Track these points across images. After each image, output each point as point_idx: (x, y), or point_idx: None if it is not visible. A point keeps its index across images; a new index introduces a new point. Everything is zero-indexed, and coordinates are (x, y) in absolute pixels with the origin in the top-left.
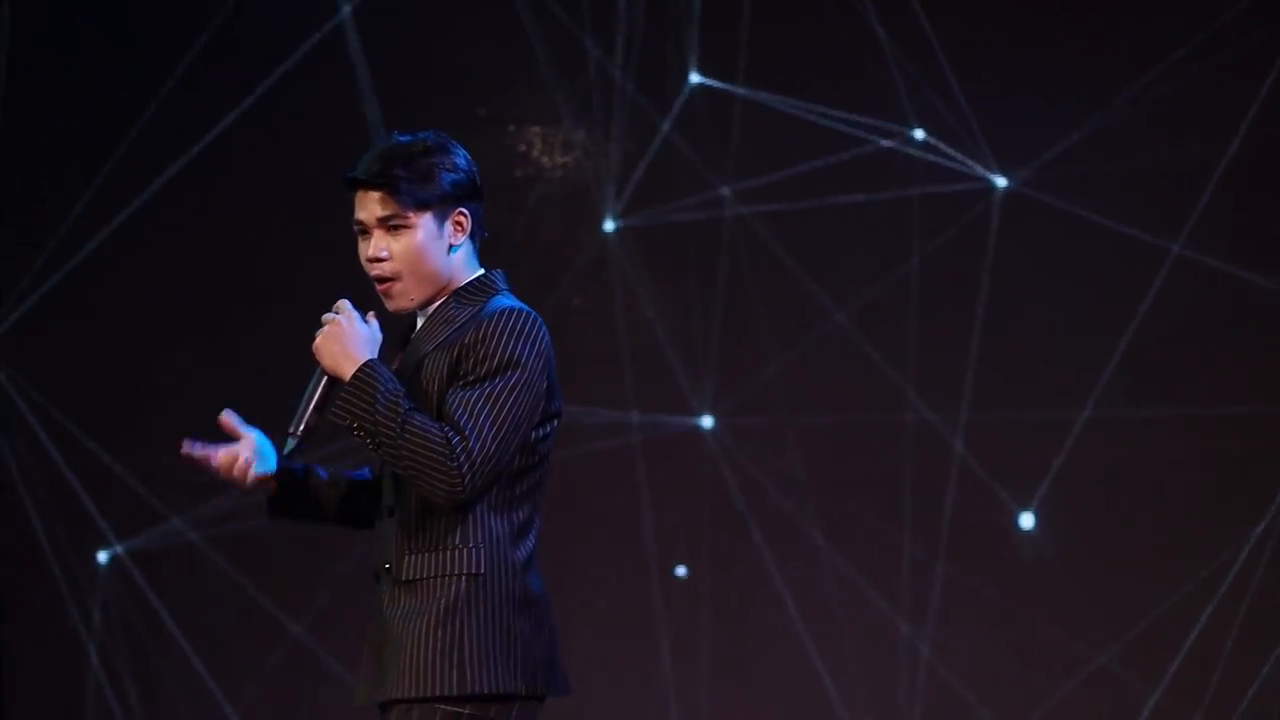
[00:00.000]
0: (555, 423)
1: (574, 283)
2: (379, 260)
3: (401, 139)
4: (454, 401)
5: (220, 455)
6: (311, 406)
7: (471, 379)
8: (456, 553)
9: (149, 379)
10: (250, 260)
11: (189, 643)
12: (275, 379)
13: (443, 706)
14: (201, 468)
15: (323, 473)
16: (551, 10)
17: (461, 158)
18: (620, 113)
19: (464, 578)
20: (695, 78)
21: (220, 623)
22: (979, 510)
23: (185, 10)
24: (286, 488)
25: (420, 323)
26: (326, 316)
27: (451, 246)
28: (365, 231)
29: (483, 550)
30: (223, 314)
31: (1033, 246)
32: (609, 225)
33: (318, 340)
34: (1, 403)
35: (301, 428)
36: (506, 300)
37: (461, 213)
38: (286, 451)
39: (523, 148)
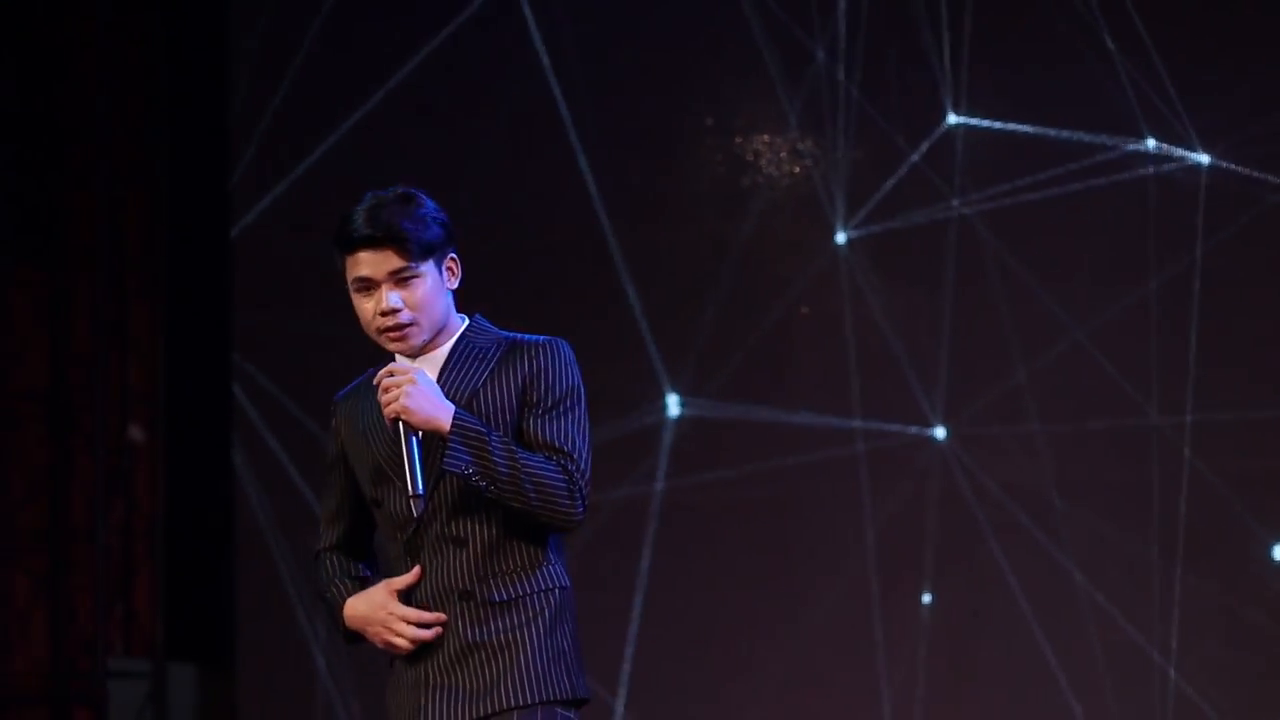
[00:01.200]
0: None
1: (803, 291)
2: (394, 311)
3: (382, 194)
4: (542, 429)
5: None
6: (420, 465)
7: (550, 406)
8: (548, 569)
9: None
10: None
11: None
12: None
13: (560, 710)
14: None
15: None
16: (777, 16)
17: (435, 205)
18: (849, 122)
19: (558, 590)
20: (952, 118)
21: None
22: (1220, 521)
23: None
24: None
25: (413, 362)
26: (393, 380)
27: (448, 290)
28: (370, 287)
29: (561, 564)
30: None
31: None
32: (839, 235)
33: (403, 402)
34: (234, 407)
35: (420, 489)
36: (515, 334)
37: (453, 258)
38: (418, 514)
39: (750, 156)
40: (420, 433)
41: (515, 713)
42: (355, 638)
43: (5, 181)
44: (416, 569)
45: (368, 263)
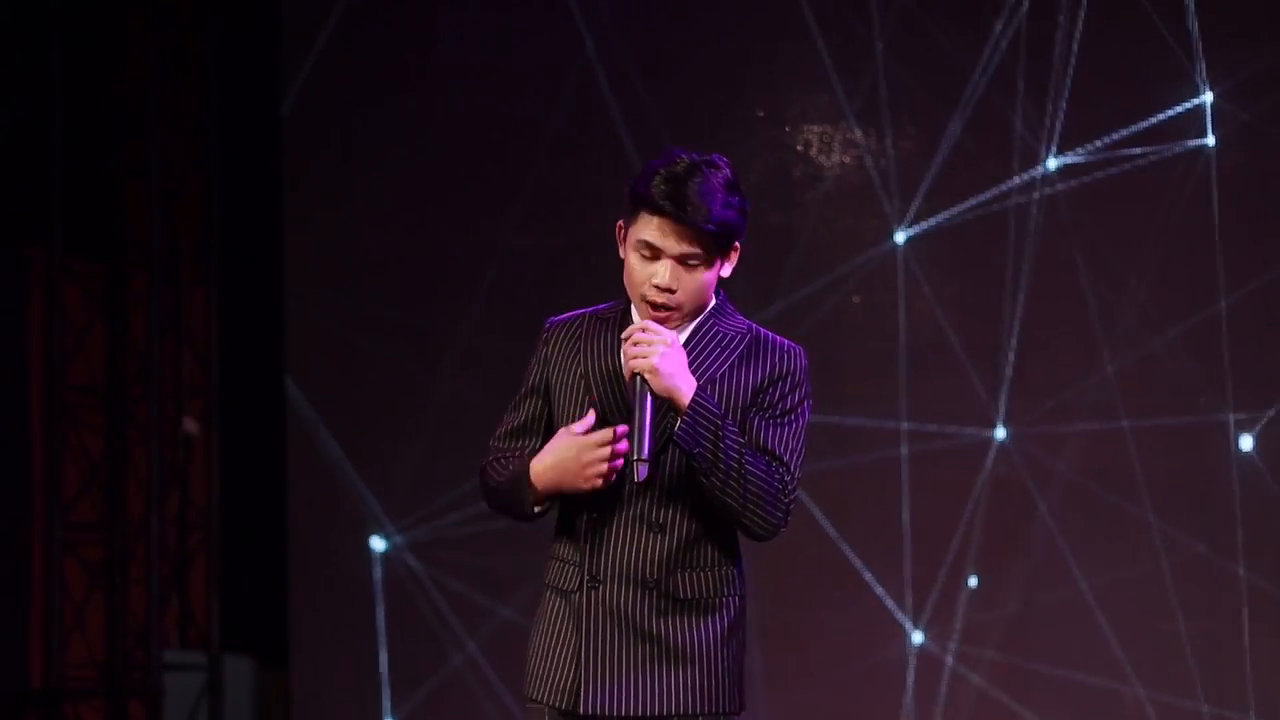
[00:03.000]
0: None
1: (855, 283)
2: (668, 291)
3: (696, 162)
4: (766, 432)
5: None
6: (650, 430)
7: (780, 412)
8: (730, 573)
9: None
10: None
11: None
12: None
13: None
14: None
15: None
16: (832, 4)
17: (739, 186)
18: (903, 111)
19: (739, 598)
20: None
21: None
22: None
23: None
24: None
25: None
26: (646, 337)
27: (720, 276)
28: (654, 255)
29: (742, 572)
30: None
31: None
32: (895, 229)
33: (654, 361)
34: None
35: (647, 453)
36: (755, 325)
37: (737, 246)
38: (640, 479)
39: (801, 147)
40: (655, 399)
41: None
42: (540, 507)
43: (60, 175)
44: (591, 413)
45: (662, 233)
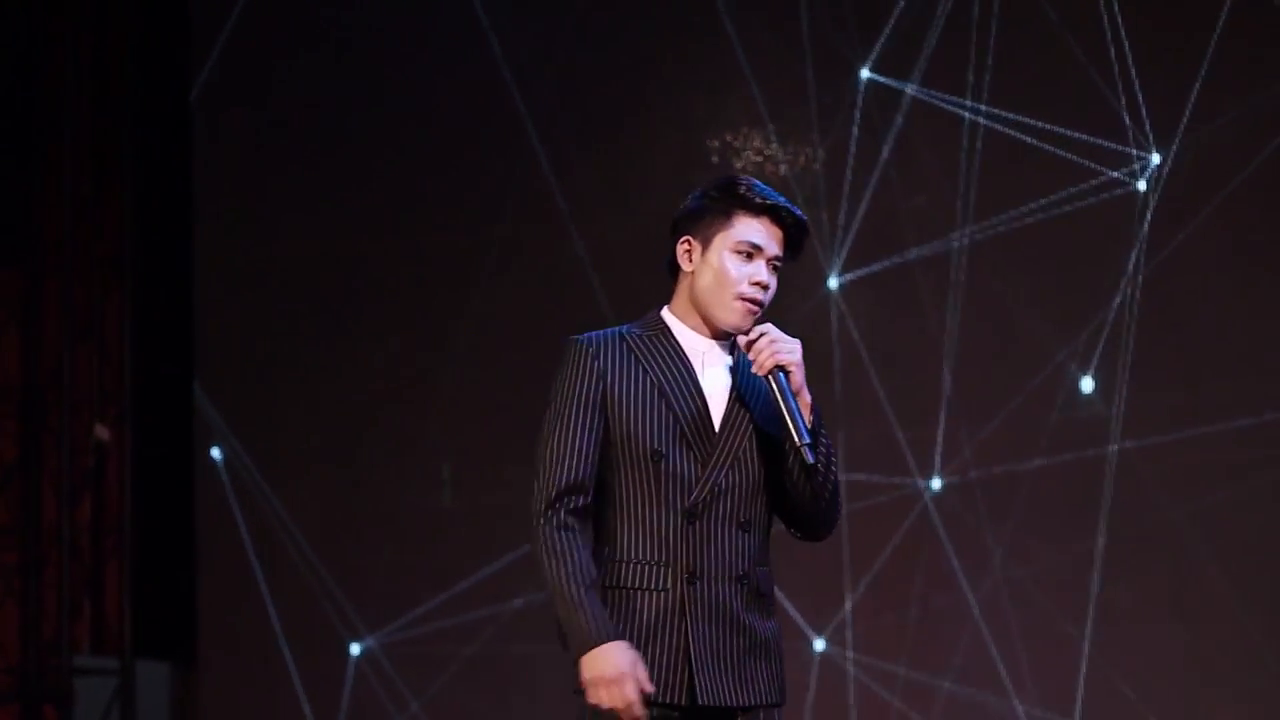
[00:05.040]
0: None
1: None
2: (766, 289)
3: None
4: None
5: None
6: (800, 415)
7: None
8: (769, 571)
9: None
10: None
11: None
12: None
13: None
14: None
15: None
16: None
17: None
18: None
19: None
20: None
21: None
22: None
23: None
24: None
25: (706, 349)
26: (778, 335)
27: None
28: (754, 255)
29: None
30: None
31: None
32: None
33: (796, 358)
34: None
35: (808, 437)
36: None
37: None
38: (810, 462)
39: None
40: (793, 394)
41: (776, 711)
42: (575, 660)
43: None
44: (648, 691)
45: (767, 235)
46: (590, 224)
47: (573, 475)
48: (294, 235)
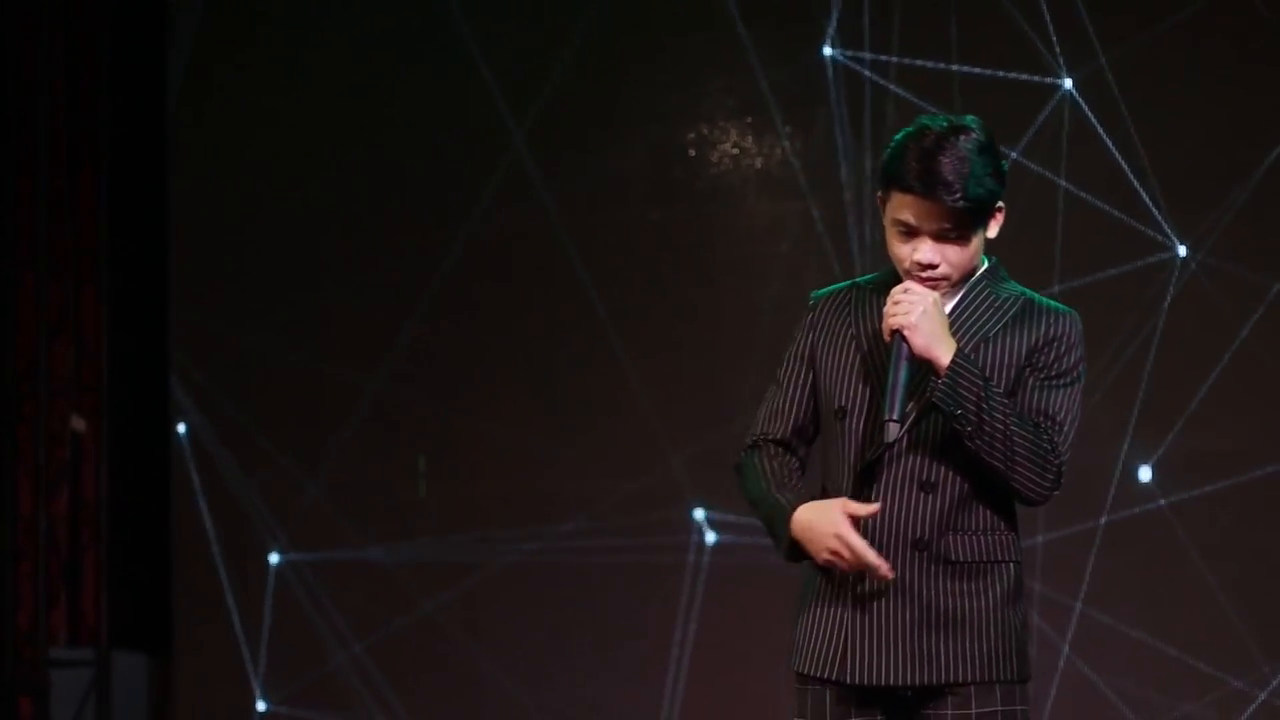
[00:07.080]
0: None
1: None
2: (931, 267)
3: (941, 130)
4: (1038, 395)
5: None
6: (902, 390)
7: (1054, 375)
8: (1005, 538)
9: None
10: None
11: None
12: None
13: (1019, 688)
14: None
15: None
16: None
17: (992, 147)
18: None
19: (1014, 564)
20: None
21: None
22: None
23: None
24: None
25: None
26: (908, 297)
27: (986, 238)
28: (911, 233)
29: (1018, 538)
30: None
31: None
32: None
33: (914, 319)
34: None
35: (897, 413)
36: (1034, 292)
37: (1000, 208)
38: (890, 440)
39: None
40: (912, 360)
41: (972, 688)
42: (792, 549)
43: None
44: (876, 505)
45: (914, 211)
46: (572, 216)
47: (765, 426)
48: (271, 228)
